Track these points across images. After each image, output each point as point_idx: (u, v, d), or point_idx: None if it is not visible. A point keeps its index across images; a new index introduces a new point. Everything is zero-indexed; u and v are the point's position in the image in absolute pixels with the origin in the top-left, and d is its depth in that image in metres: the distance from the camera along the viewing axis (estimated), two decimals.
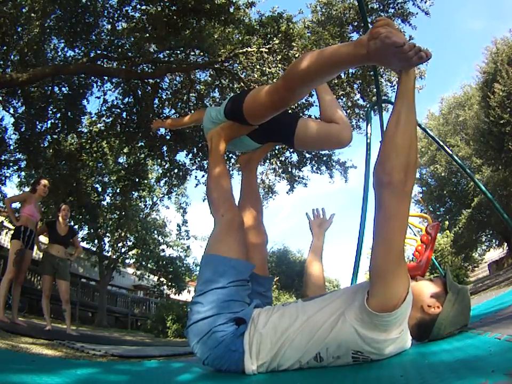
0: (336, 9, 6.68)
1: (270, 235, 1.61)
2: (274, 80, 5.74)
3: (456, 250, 18.51)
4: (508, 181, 14.57)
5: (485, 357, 0.82)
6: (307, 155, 7.79)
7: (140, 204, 12.86)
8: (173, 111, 7.48)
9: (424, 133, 3.43)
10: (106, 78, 7.13)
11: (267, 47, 6.10)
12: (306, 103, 6.79)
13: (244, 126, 1.49)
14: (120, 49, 6.71)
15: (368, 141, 2.72)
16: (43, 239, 5.19)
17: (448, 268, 1.16)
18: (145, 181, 9.33)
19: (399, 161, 0.91)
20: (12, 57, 6.79)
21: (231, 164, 7.32)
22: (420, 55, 0.87)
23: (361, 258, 2.36)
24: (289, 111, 1.67)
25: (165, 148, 7.43)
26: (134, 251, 14.45)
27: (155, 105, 7.25)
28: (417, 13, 6.29)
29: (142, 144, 7.58)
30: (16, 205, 5.36)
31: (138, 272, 15.45)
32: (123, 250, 14.07)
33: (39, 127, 7.24)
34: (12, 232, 4.26)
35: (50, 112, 7.17)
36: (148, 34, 5.91)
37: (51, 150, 7.44)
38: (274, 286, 19.73)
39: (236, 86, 6.90)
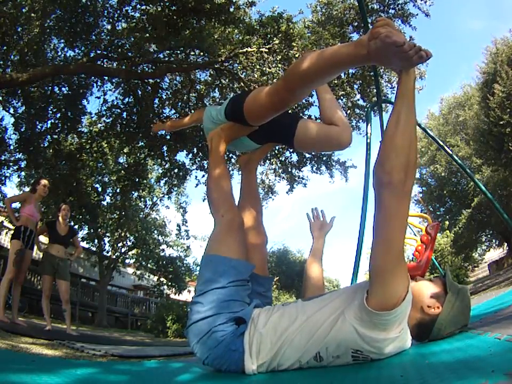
0: (336, 10, 6.68)
1: (270, 235, 1.61)
2: (274, 80, 5.74)
3: (456, 250, 18.51)
4: (507, 181, 14.57)
5: (485, 357, 0.82)
6: (307, 155, 7.78)
7: (139, 204, 12.86)
8: (173, 111, 7.48)
9: (424, 133, 3.43)
10: (106, 78, 7.13)
11: (267, 47, 6.10)
12: (306, 103, 6.79)
13: (244, 126, 1.49)
14: (120, 49, 6.71)
15: (368, 141, 2.72)
16: (43, 239, 5.19)
17: (448, 268, 1.17)
18: (145, 181, 9.33)
19: (399, 161, 0.91)
20: (12, 57, 6.79)
21: (231, 164, 7.32)
22: (420, 54, 0.88)
23: (361, 258, 2.36)
24: (289, 112, 1.67)
25: (165, 148, 7.43)
26: (134, 251, 14.46)
27: (155, 105, 7.25)
28: (417, 14, 6.30)
29: (142, 144, 7.58)
30: (16, 205, 5.36)
31: (138, 272, 15.45)
32: (123, 250, 14.07)
33: (39, 127, 7.24)
34: (12, 232, 4.26)
35: (50, 112, 7.17)
36: (148, 34, 5.91)
37: (51, 150, 7.44)
38: (274, 286, 19.74)
39: (235, 86, 6.91)
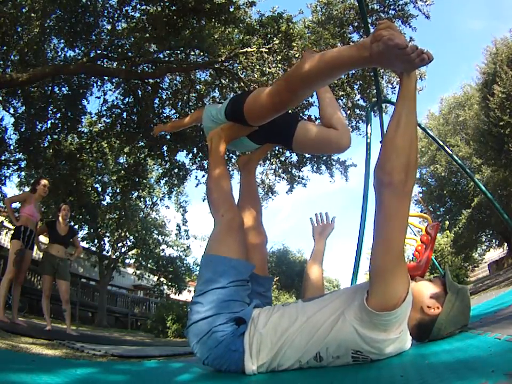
0: (336, 10, 6.67)
1: (270, 235, 1.62)
2: (275, 80, 5.74)
3: (456, 250, 18.50)
4: (508, 181, 14.57)
5: (485, 357, 0.82)
6: (307, 155, 7.78)
7: (139, 204, 12.87)
8: (173, 111, 7.48)
9: (424, 133, 3.43)
10: (106, 78, 7.13)
11: (267, 47, 6.10)
12: (306, 103, 6.79)
13: (244, 127, 1.49)
14: (120, 49, 6.71)
15: (368, 141, 2.72)
16: (43, 239, 5.19)
17: (448, 268, 1.17)
18: (145, 181, 9.33)
19: (400, 162, 0.91)
20: (12, 57, 6.79)
21: (231, 164, 7.32)
22: (422, 57, 0.88)
23: (361, 258, 2.36)
24: (289, 113, 1.68)
25: (165, 148, 7.43)
26: (134, 251, 14.46)
27: (155, 105, 7.25)
28: (417, 15, 6.29)
29: (142, 144, 7.59)
30: (16, 205, 5.36)
31: (138, 272, 15.45)
32: (123, 250, 14.08)
33: (39, 127, 7.24)
34: (12, 232, 4.26)
35: (50, 112, 7.17)
36: (148, 34, 5.91)
37: (51, 150, 7.44)
38: (274, 286, 19.73)
39: (235, 86, 6.91)
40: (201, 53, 6.80)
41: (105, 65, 6.78)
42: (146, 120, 6.99)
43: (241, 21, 6.11)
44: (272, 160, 7.86)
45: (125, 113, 7.31)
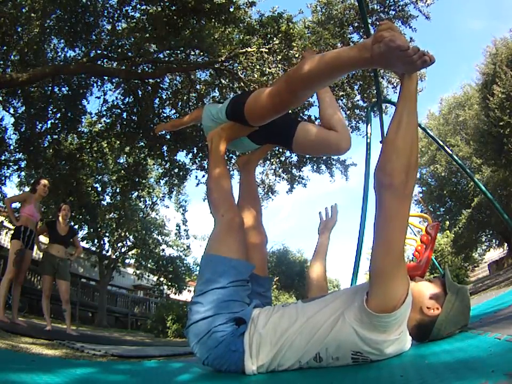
0: (336, 10, 6.67)
1: (270, 235, 1.62)
2: (275, 80, 5.73)
3: (456, 250, 18.51)
4: (507, 181, 14.57)
5: (485, 357, 0.82)
6: (307, 155, 7.78)
7: (139, 204, 12.87)
8: (173, 111, 7.48)
9: (424, 133, 3.43)
10: (106, 78, 7.13)
11: (267, 47, 6.09)
12: (306, 104, 6.78)
13: (244, 127, 1.49)
14: (120, 49, 6.71)
15: (368, 141, 2.73)
16: (43, 239, 5.19)
17: (447, 268, 1.16)
18: (145, 181, 9.33)
19: (400, 163, 0.91)
20: (12, 57, 6.79)
21: (231, 164, 7.32)
22: (423, 59, 0.88)
23: (361, 259, 2.36)
24: (290, 113, 1.68)
25: (165, 148, 7.43)
26: (133, 251, 14.46)
27: (155, 105, 7.25)
28: (417, 16, 6.29)
29: (142, 144, 7.58)
30: (16, 205, 5.36)
31: (138, 272, 15.45)
32: (123, 250, 14.08)
33: (39, 127, 7.24)
34: (12, 232, 4.26)
35: (50, 112, 7.16)
36: (148, 34, 5.90)
37: (51, 150, 7.44)
38: (274, 286, 19.73)
39: (235, 86, 6.90)
40: (201, 53, 6.79)
41: (105, 65, 6.78)
42: (146, 120, 6.98)
43: (241, 21, 6.10)
44: (272, 160, 7.86)
45: (125, 113, 7.30)
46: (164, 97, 7.45)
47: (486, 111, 13.64)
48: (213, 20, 5.60)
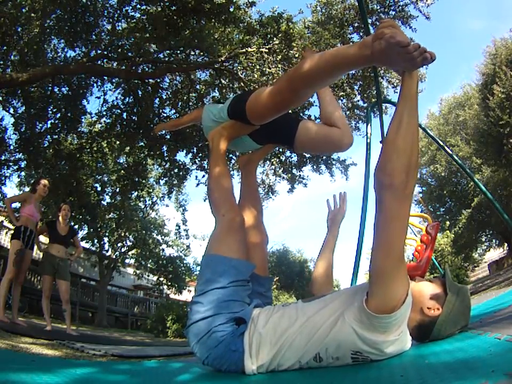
0: (336, 10, 6.67)
1: (270, 235, 1.61)
2: (275, 80, 5.73)
3: (456, 250, 18.52)
4: (507, 181, 14.57)
5: (485, 357, 0.82)
6: (307, 155, 7.77)
7: (139, 204, 12.86)
8: (173, 111, 7.48)
9: (424, 133, 3.43)
10: (106, 78, 7.13)
11: (267, 47, 6.09)
12: (307, 103, 6.78)
13: (245, 126, 1.49)
14: (120, 49, 6.71)
15: (368, 141, 2.72)
16: (43, 239, 5.19)
17: (448, 268, 1.15)
18: (145, 181, 9.32)
19: (401, 163, 0.90)
20: (12, 57, 6.79)
21: (231, 165, 7.32)
22: (424, 55, 0.88)
23: (361, 259, 2.36)
24: (291, 113, 1.68)
25: (165, 148, 7.43)
26: (133, 251, 14.46)
27: (155, 105, 7.24)
28: (417, 16, 6.29)
29: (142, 144, 7.58)
30: (16, 205, 5.36)
31: (138, 272, 15.45)
32: (123, 250, 14.08)
33: (39, 127, 7.24)
34: (12, 232, 4.26)
35: (50, 112, 7.17)
36: (148, 34, 5.90)
37: (51, 150, 7.43)
38: (274, 286, 19.71)
39: (235, 86, 6.90)
40: (201, 53, 6.79)
41: (105, 65, 6.78)
42: (146, 120, 6.98)
43: (241, 21, 6.10)
44: (272, 160, 7.86)
45: (125, 113, 7.30)
46: (164, 97, 7.45)
47: (486, 111, 13.65)
48: (213, 20, 5.60)
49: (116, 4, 6.25)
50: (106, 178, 11.44)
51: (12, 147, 7.51)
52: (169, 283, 14.97)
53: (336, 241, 1.59)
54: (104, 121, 7.55)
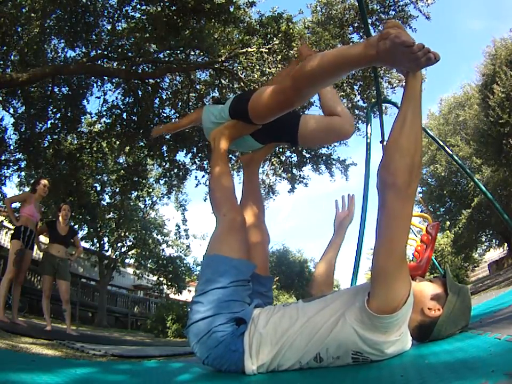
0: (336, 10, 6.67)
1: (270, 235, 1.60)
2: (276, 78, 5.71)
3: (456, 250, 18.51)
4: (508, 181, 14.57)
5: (485, 357, 0.82)
6: (307, 155, 7.78)
7: (139, 204, 12.86)
8: (173, 111, 7.48)
9: (424, 133, 3.42)
10: (106, 78, 7.13)
11: (267, 47, 6.10)
12: (306, 103, 6.78)
13: (247, 125, 1.49)
14: (120, 49, 6.71)
15: (368, 141, 2.72)
16: (43, 239, 5.19)
17: (448, 268, 1.15)
18: (144, 181, 9.32)
19: (404, 162, 0.91)
20: (12, 57, 6.79)
21: (231, 165, 7.32)
22: (428, 56, 0.88)
23: (361, 258, 2.36)
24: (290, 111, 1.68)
25: (164, 148, 7.43)
26: (133, 251, 14.45)
27: (155, 105, 7.24)
28: (417, 16, 6.29)
29: (142, 144, 7.58)
30: (16, 205, 5.36)
31: (138, 272, 15.45)
32: (123, 250, 14.07)
33: (39, 127, 7.24)
34: (12, 232, 4.26)
35: (50, 112, 7.17)
36: (148, 34, 5.90)
37: (51, 150, 7.43)
38: (274, 286, 19.68)
39: (235, 86, 6.90)
40: (201, 53, 6.79)
41: (105, 65, 6.78)
42: (146, 120, 6.98)
43: (241, 21, 6.10)
44: (272, 160, 7.86)
45: (125, 113, 7.31)
46: (164, 97, 7.45)
47: (486, 111, 13.65)
48: (213, 20, 5.60)
49: (116, 4, 6.25)
50: (106, 178, 11.43)
51: (12, 147, 7.51)
52: (169, 283, 14.97)
53: (341, 244, 1.56)
54: (104, 121, 7.55)
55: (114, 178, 10.20)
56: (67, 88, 7.32)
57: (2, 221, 10.63)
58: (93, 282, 14.44)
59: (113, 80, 7.17)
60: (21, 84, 5.71)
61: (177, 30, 5.59)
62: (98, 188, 11.62)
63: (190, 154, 7.56)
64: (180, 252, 15.68)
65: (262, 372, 1.06)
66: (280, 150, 7.45)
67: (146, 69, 7.00)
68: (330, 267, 1.50)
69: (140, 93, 7.15)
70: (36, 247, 4.30)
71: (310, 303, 1.12)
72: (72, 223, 10.57)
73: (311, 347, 1.01)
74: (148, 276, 16.11)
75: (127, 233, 13.71)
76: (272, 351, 1.04)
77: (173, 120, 7.17)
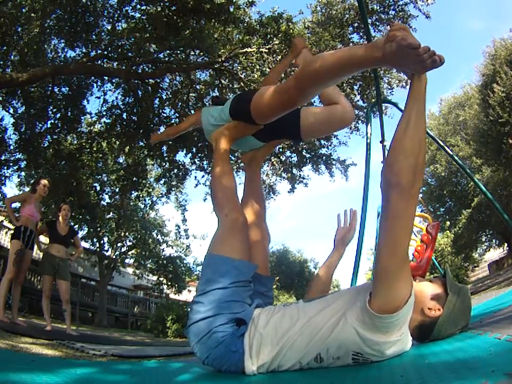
0: (336, 10, 6.67)
1: (270, 234, 1.60)
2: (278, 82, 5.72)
3: (456, 250, 18.51)
4: (508, 181, 14.57)
5: (485, 357, 0.82)
6: (307, 155, 7.78)
7: (139, 204, 12.84)
8: (173, 111, 7.48)
9: None
10: (106, 78, 7.13)
11: (267, 47, 6.09)
12: (306, 104, 6.78)
13: (249, 125, 1.48)
14: (120, 49, 6.71)
15: (368, 141, 2.73)
16: (43, 239, 5.19)
17: (448, 268, 1.15)
18: (144, 181, 9.32)
19: (408, 163, 0.92)
20: (12, 57, 6.79)
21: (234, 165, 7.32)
22: (433, 58, 0.90)
23: (361, 259, 2.36)
24: None
25: (164, 148, 7.43)
26: (133, 251, 14.45)
27: (155, 105, 7.24)
28: (417, 16, 6.29)
29: (142, 144, 7.58)
30: (16, 205, 5.36)
31: (138, 272, 15.44)
32: (123, 250, 14.07)
33: (39, 127, 7.24)
34: (12, 232, 4.26)
35: (50, 112, 7.16)
36: (148, 34, 5.90)
37: (51, 150, 7.43)
38: (274, 286, 19.69)
39: (235, 86, 6.90)
40: (201, 53, 6.79)
41: (105, 65, 6.78)
42: (146, 120, 6.98)
43: (241, 21, 6.09)
44: (272, 160, 7.86)
45: (125, 114, 7.30)
46: (164, 97, 7.45)
47: (486, 110, 13.65)
48: (213, 20, 5.60)
49: (116, 4, 6.25)
50: (106, 178, 11.43)
51: (12, 147, 7.51)
52: (169, 283, 14.96)
53: (339, 262, 1.54)
54: (104, 121, 7.55)
55: (114, 178, 10.19)
56: (67, 88, 7.32)
57: (2, 221, 10.63)
58: (93, 282, 14.44)
59: (113, 80, 7.17)
60: (21, 84, 5.71)
61: (177, 30, 5.59)
62: (98, 188, 11.61)
63: (190, 154, 7.56)
64: (180, 252, 15.69)
65: (262, 372, 1.06)
66: (280, 150, 7.45)
67: (146, 69, 6.99)
68: (327, 283, 1.49)
69: (140, 93, 7.15)
70: (36, 247, 4.30)
71: (311, 303, 1.12)
72: (72, 223, 10.57)
73: (312, 347, 1.01)
74: (148, 275, 16.11)
75: (127, 233, 13.71)
76: (273, 351, 1.04)
77: (173, 121, 7.18)
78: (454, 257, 18.44)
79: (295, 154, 7.77)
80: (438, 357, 0.94)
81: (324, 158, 7.78)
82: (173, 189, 9.40)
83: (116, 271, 13.74)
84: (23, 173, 8.76)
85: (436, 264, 6.50)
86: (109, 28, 6.64)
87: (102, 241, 13.05)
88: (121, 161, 9.43)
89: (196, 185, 7.92)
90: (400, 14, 6.31)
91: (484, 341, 1.01)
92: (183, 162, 7.89)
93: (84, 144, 7.69)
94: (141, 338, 7.43)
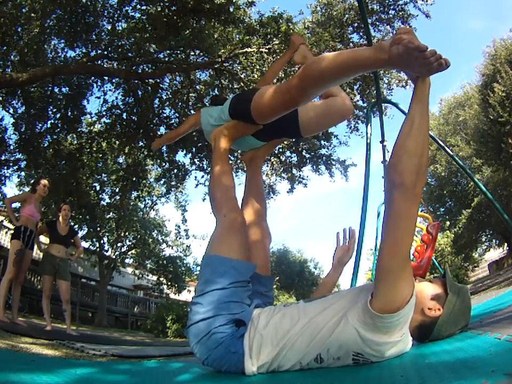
0: (336, 10, 6.67)
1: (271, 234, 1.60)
2: (274, 80, 5.72)
3: (456, 250, 18.52)
4: (508, 181, 14.57)
5: (485, 357, 0.82)
6: (307, 155, 7.78)
7: (139, 204, 12.85)
8: (173, 111, 7.48)
9: None
10: (106, 78, 7.13)
11: (267, 47, 6.09)
12: None
13: (249, 125, 1.48)
14: (120, 49, 6.71)
15: (368, 141, 2.73)
16: (43, 239, 5.18)
17: (448, 268, 1.15)
18: (144, 181, 9.32)
19: (411, 163, 0.93)
20: (12, 57, 6.79)
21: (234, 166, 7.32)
22: (440, 62, 0.91)
23: (361, 258, 2.36)
24: None
25: (164, 148, 7.43)
26: (133, 251, 14.46)
27: (155, 105, 7.24)
28: (417, 15, 6.29)
29: (142, 144, 7.58)
30: (16, 205, 5.36)
31: (138, 272, 15.44)
32: (123, 250, 14.07)
33: (39, 127, 7.24)
34: (12, 232, 4.26)
35: (50, 112, 7.16)
36: (148, 34, 5.90)
37: (51, 150, 7.43)
38: (274, 286, 19.68)
39: (235, 86, 6.90)
40: (201, 53, 6.79)
41: (105, 65, 6.78)
42: (146, 120, 6.98)
43: (241, 21, 6.09)
44: (272, 160, 7.86)
45: (125, 114, 7.30)
46: (164, 97, 7.45)
47: (486, 110, 13.66)
48: (213, 20, 5.60)
49: (116, 4, 6.25)
50: (105, 178, 11.43)
51: (12, 147, 7.50)
52: (169, 283, 14.97)
53: (336, 281, 1.53)
54: (104, 121, 7.55)
55: (114, 178, 10.19)
56: (67, 88, 7.32)
57: (2, 221, 10.62)
58: (93, 282, 14.43)
59: (113, 80, 7.17)
60: (21, 84, 5.71)
61: (177, 30, 5.59)
62: (98, 188, 11.61)
63: (190, 154, 7.56)
64: (180, 252, 15.70)
65: (262, 373, 1.06)
66: (280, 150, 7.45)
67: (146, 69, 6.99)
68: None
69: (139, 93, 7.15)
70: (36, 247, 4.30)
71: (311, 303, 1.12)
72: (72, 223, 10.57)
73: (313, 347, 1.01)
74: (148, 275, 16.11)
75: (127, 233, 13.71)
76: (273, 351, 1.04)
77: (173, 121, 7.18)
78: (454, 257, 18.45)
79: (295, 155, 7.77)
80: (438, 357, 0.94)
81: (323, 158, 7.78)
82: (173, 189, 9.40)
83: (116, 271, 13.75)
84: (23, 173, 8.76)
85: (436, 264, 6.51)
86: (109, 27, 6.64)
87: (102, 241, 13.06)
88: (121, 161, 9.43)
89: (196, 185, 7.93)
90: (400, 13, 6.30)
91: (484, 341, 1.01)
92: (182, 163, 7.90)
93: (84, 144, 7.69)
94: (141, 338, 7.43)
